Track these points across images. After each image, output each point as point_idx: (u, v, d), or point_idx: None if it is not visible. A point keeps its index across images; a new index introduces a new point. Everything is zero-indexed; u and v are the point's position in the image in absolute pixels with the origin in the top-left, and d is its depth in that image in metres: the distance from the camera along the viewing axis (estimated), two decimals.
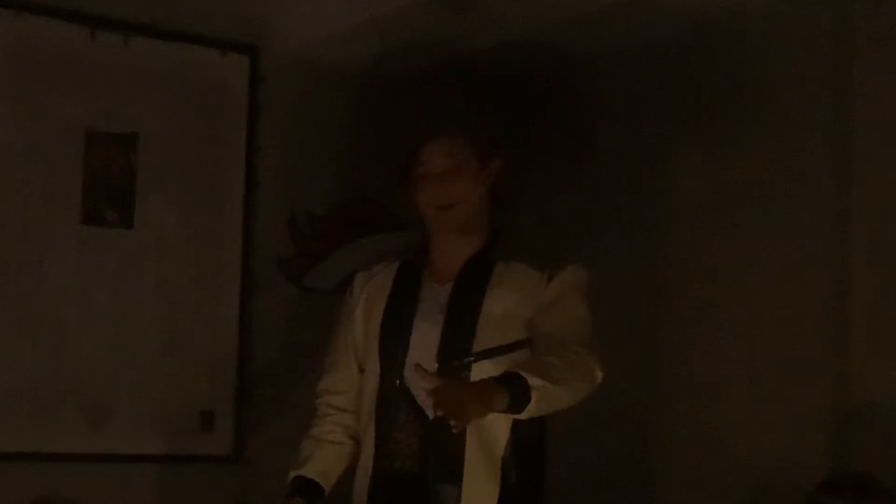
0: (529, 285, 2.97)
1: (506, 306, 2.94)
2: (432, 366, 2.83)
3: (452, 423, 2.63)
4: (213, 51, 4.10)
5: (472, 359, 2.84)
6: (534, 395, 2.69)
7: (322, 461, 3.08)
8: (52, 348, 3.81)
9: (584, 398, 2.84)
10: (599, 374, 2.84)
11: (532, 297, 2.95)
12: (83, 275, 3.87)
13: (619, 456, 4.07)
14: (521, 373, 2.69)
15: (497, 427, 2.90)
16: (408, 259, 3.09)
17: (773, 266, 3.77)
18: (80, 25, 3.88)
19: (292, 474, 3.07)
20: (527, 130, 4.44)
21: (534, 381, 2.69)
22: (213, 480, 3.94)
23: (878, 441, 3.49)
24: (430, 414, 2.85)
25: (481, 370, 2.81)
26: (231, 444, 4.04)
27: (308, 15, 4.06)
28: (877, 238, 3.55)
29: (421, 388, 2.81)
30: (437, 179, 2.99)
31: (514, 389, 2.66)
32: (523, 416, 2.73)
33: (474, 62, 4.26)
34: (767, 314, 3.78)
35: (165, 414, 3.95)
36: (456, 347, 2.90)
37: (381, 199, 4.36)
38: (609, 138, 4.32)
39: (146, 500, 3.88)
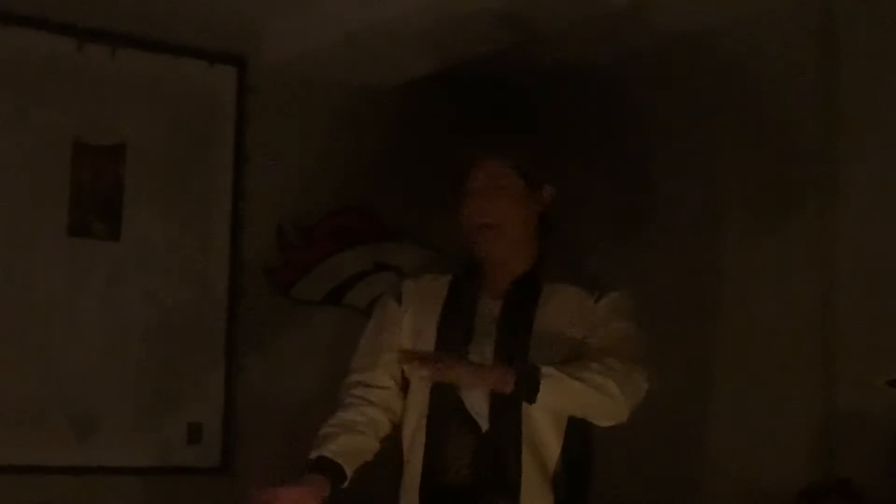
0: (578, 305, 3.00)
1: (556, 325, 2.98)
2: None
3: (426, 373, 2.77)
4: (200, 62, 4.10)
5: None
6: (543, 383, 2.76)
7: (345, 445, 3.00)
8: (39, 359, 3.80)
9: (628, 405, 2.87)
10: (644, 384, 2.90)
11: (581, 317, 2.99)
12: (70, 286, 3.86)
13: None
14: (534, 362, 2.79)
15: (549, 443, 2.94)
16: (460, 272, 3.09)
17: (761, 277, 3.78)
18: (67, 37, 3.88)
19: (313, 454, 3.00)
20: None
21: (546, 369, 2.78)
22: (200, 492, 3.93)
23: (862, 449, 3.50)
24: (484, 426, 2.90)
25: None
26: (219, 456, 4.04)
27: (295, 27, 4.07)
28: (862, 250, 3.56)
29: (476, 399, 2.89)
30: (479, 196, 3.01)
31: (523, 373, 2.76)
32: (536, 403, 2.78)
33: (459, 72, 4.26)
34: (754, 325, 3.79)
35: (153, 426, 3.95)
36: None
37: (368, 209, 4.36)
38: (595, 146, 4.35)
39: None
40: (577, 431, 2.97)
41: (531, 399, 2.79)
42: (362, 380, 3.08)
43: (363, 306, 4.18)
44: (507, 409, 2.91)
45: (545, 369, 2.78)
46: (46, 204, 3.86)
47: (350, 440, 3.00)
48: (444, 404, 2.95)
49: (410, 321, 3.07)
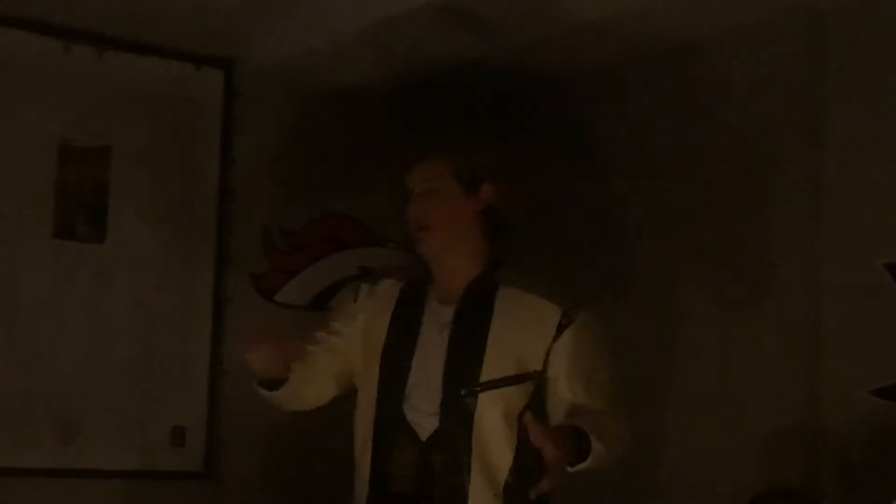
0: (539, 322, 2.95)
1: (513, 337, 2.93)
2: (437, 388, 2.89)
3: (543, 485, 2.69)
4: (187, 65, 4.10)
5: (479, 388, 2.86)
6: (591, 457, 2.74)
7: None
8: (23, 362, 3.79)
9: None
10: (628, 437, 2.92)
11: (542, 335, 2.94)
12: (55, 288, 3.85)
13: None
14: (588, 432, 2.75)
15: (501, 453, 2.91)
16: (412, 279, 3.09)
17: (746, 284, 3.78)
18: (54, 38, 3.87)
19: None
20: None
21: (596, 444, 2.75)
22: (184, 496, 3.92)
23: (844, 459, 3.51)
24: (423, 436, 2.90)
25: (484, 399, 2.88)
26: (203, 459, 4.03)
27: (283, 30, 4.06)
28: (849, 259, 3.57)
29: (416, 411, 2.90)
30: (416, 199, 3.03)
31: (577, 446, 2.74)
32: (571, 470, 2.74)
33: (450, 78, 4.26)
34: (740, 334, 3.79)
35: (137, 429, 3.94)
36: (463, 375, 2.89)
37: (355, 214, 4.36)
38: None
39: None
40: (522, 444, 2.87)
41: (571, 466, 2.75)
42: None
43: None
44: (457, 418, 2.89)
45: (595, 444, 2.74)
46: (31, 205, 3.85)
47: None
48: (388, 416, 2.95)
49: (361, 329, 3.07)
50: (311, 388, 3.07)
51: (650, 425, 3.97)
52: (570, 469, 2.74)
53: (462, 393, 2.85)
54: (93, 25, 3.92)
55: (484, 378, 2.87)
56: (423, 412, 2.91)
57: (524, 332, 2.94)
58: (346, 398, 3.15)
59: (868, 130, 3.56)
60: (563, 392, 2.92)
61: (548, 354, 2.93)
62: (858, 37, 3.62)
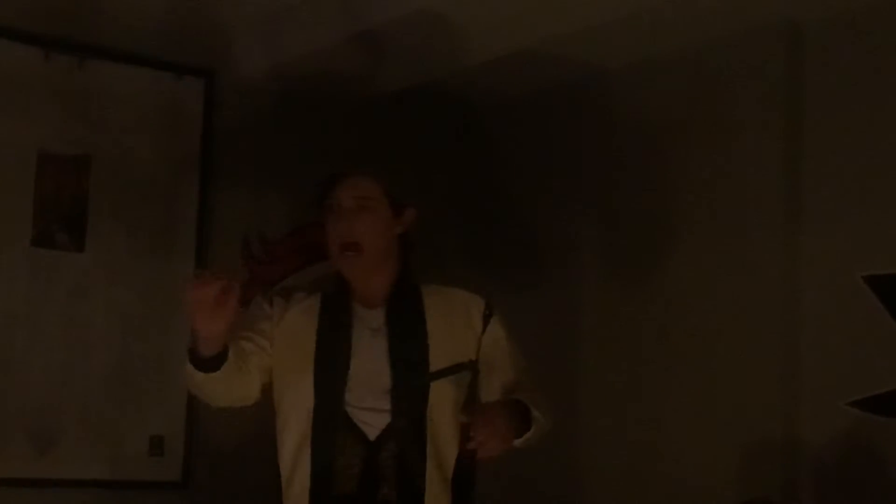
0: (467, 309, 3.05)
1: (448, 330, 3.00)
2: (384, 386, 2.89)
3: (482, 452, 2.76)
4: (168, 74, 4.10)
5: (432, 377, 2.91)
6: (533, 426, 2.86)
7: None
8: (0, 371, 3.77)
9: None
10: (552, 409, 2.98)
11: (470, 321, 3.04)
12: (33, 297, 3.84)
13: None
14: (527, 403, 2.86)
15: (450, 444, 2.95)
16: (329, 291, 3.07)
17: (725, 296, 3.80)
18: (34, 47, 3.87)
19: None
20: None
21: (535, 412, 2.87)
22: None
23: (821, 470, 3.52)
24: (372, 435, 2.90)
25: (434, 392, 2.91)
26: (181, 469, 4.02)
27: (263, 41, 4.07)
28: (828, 271, 3.59)
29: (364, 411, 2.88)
30: (346, 216, 2.99)
31: (521, 418, 2.84)
32: (518, 443, 2.85)
33: (426, 89, 4.29)
34: (719, 344, 3.80)
35: (115, 438, 3.93)
36: (411, 368, 2.93)
37: None
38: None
39: None
40: (467, 432, 2.90)
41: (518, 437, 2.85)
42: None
43: None
44: (412, 412, 2.92)
45: (534, 412, 2.87)
46: (10, 214, 3.84)
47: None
48: (329, 419, 2.93)
49: (282, 337, 3.01)
50: (241, 379, 2.95)
51: (629, 438, 3.99)
52: (517, 441, 2.84)
53: (413, 384, 2.90)
54: (73, 34, 3.92)
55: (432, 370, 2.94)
56: (371, 411, 2.91)
57: (456, 324, 3.02)
58: None
59: (846, 143, 3.58)
60: (499, 376, 3.00)
61: (479, 343, 3.02)
62: (835, 49, 3.64)
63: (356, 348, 2.96)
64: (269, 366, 3.01)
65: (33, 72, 3.87)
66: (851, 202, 3.55)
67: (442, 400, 2.93)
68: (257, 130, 4.24)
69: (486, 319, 3.04)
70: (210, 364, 2.82)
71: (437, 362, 2.94)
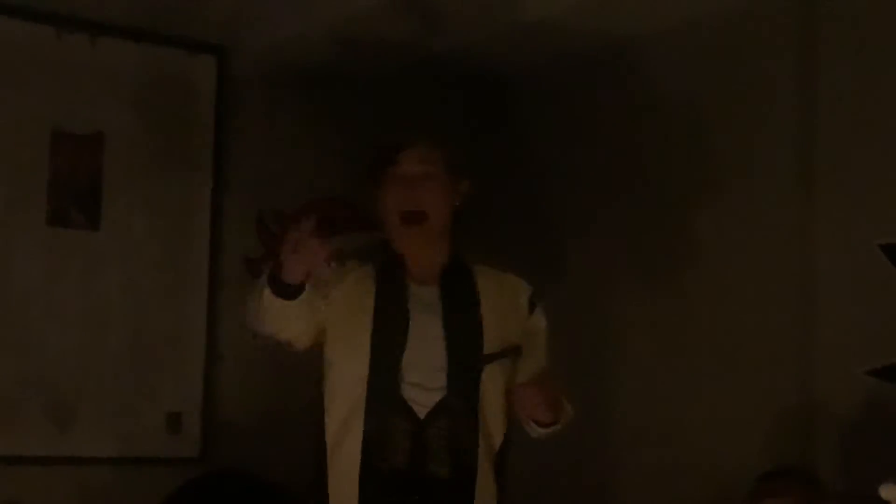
0: (516, 294, 3.07)
1: (499, 314, 3.01)
2: (437, 364, 2.92)
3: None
4: (180, 51, 4.09)
5: (486, 360, 2.96)
6: (561, 420, 2.96)
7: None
8: (17, 350, 3.79)
9: None
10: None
11: (518, 307, 3.06)
12: (49, 276, 3.85)
13: (578, 455, 4.08)
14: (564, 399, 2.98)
15: (498, 426, 3.00)
16: (383, 262, 3.05)
17: (741, 266, 3.79)
18: (46, 25, 3.87)
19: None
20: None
21: (567, 405, 2.98)
22: (179, 482, 3.91)
23: (838, 439, 3.51)
24: (421, 414, 2.91)
25: (487, 374, 2.97)
26: (198, 445, 4.03)
27: (276, 16, 4.05)
28: (844, 240, 3.57)
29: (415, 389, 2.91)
30: (410, 184, 2.96)
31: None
32: (545, 433, 2.97)
33: (438, 65, 4.27)
34: (733, 314, 3.79)
35: (132, 416, 3.94)
36: (466, 349, 2.95)
37: (349, 199, 4.35)
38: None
39: (112, 503, 3.86)
40: (512, 418, 3.03)
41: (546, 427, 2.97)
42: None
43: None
44: (464, 393, 2.94)
45: (566, 406, 2.98)
46: (25, 194, 3.85)
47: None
48: (383, 392, 2.92)
49: (339, 297, 2.98)
50: (310, 315, 2.91)
51: (646, 410, 3.99)
52: (543, 431, 2.96)
53: (470, 366, 2.93)
54: (85, 12, 3.91)
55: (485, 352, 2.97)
56: (424, 389, 2.92)
57: (506, 309, 3.03)
58: None
59: (862, 111, 3.56)
60: (531, 365, 3.02)
61: (522, 328, 3.05)
62: (850, 12, 3.61)
63: (414, 326, 2.95)
64: (321, 323, 2.97)
65: (46, 50, 3.87)
66: (867, 170, 3.53)
67: (491, 379, 2.96)
68: (270, 106, 4.23)
69: (532, 307, 3.07)
70: (290, 291, 2.80)
71: (489, 344, 2.96)
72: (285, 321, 2.88)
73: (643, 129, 4.13)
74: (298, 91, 4.28)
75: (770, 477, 3.24)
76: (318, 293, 2.91)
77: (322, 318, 2.95)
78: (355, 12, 3.89)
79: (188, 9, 4.03)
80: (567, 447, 3.21)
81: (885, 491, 2.69)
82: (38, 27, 3.86)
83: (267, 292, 2.81)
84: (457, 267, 3.04)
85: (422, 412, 2.91)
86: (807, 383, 3.61)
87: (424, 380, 2.92)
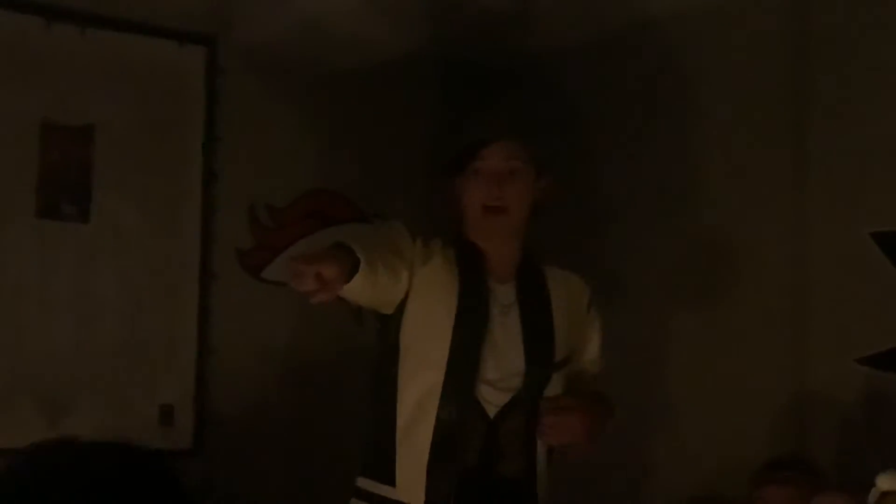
0: (580, 296, 3.14)
1: (566, 317, 3.07)
2: (511, 363, 2.97)
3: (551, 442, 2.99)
4: (170, 42, 4.07)
5: (555, 367, 3.04)
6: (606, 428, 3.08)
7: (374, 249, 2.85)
8: (9, 342, 3.77)
9: None
10: None
11: (581, 308, 3.14)
12: (40, 269, 3.83)
13: None
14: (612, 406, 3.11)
15: None
16: (463, 253, 3.05)
17: (733, 254, 3.79)
18: (35, 16, 3.84)
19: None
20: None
21: (607, 418, 3.11)
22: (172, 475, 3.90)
23: (832, 428, 3.52)
24: (492, 413, 2.95)
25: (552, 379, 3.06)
26: (190, 438, 4.02)
27: (266, 7, 4.04)
28: (835, 228, 3.57)
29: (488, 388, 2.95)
30: (495, 179, 2.99)
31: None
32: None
33: (434, 55, 4.26)
34: (726, 303, 3.80)
35: (124, 408, 3.92)
36: (540, 352, 3.01)
37: (341, 191, 4.35)
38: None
39: None
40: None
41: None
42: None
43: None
44: (532, 396, 3.00)
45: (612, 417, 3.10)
46: (14, 186, 3.82)
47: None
48: (460, 382, 2.94)
49: (425, 274, 2.98)
50: (378, 289, 2.86)
51: (644, 403, 3.99)
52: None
53: (543, 370, 3.01)
54: (75, 3, 3.89)
55: (558, 357, 3.05)
56: (496, 389, 2.96)
57: (572, 311, 3.09)
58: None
59: (853, 98, 3.56)
60: (589, 367, 3.16)
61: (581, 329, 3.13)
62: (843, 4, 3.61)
63: (493, 318, 2.99)
64: (403, 290, 2.96)
65: (35, 41, 3.85)
66: (860, 158, 3.53)
67: (556, 388, 3.05)
68: (261, 97, 4.22)
69: (589, 307, 3.14)
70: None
71: (559, 347, 3.03)
72: (363, 298, 2.90)
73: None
74: (289, 82, 4.27)
75: (772, 466, 3.25)
76: (401, 262, 2.92)
77: (405, 287, 2.95)
78: (347, 4, 3.88)
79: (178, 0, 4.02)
80: None
81: (883, 481, 2.70)
82: (27, 18, 3.83)
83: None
84: (529, 265, 3.08)
85: (492, 411, 2.95)
86: (800, 372, 3.62)
87: (499, 379, 2.96)
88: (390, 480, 2.97)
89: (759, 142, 3.76)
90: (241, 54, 4.17)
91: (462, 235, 3.07)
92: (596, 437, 3.05)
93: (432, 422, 2.94)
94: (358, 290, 2.80)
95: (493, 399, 2.95)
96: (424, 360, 2.96)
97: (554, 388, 3.03)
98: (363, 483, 3.04)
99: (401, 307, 2.98)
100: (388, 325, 3.02)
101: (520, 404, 2.97)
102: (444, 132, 4.45)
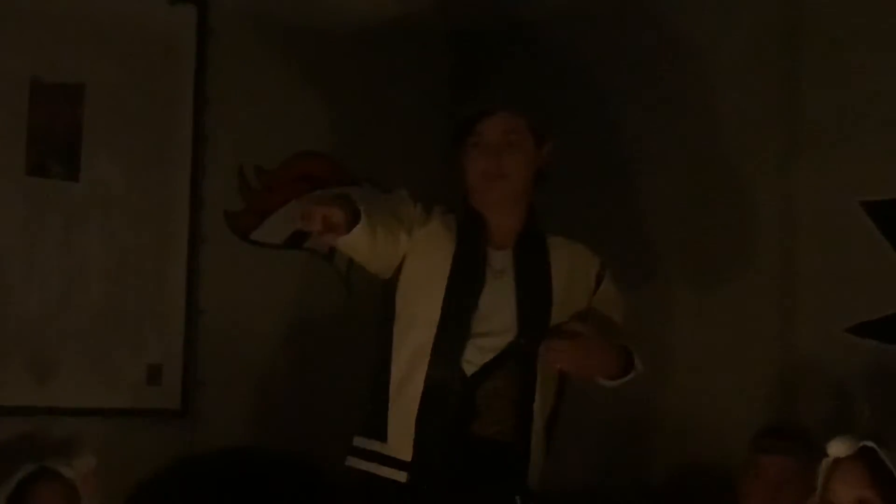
0: (586, 268, 3.16)
1: (568, 285, 3.10)
2: (502, 326, 3.00)
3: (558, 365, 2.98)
4: (160, 1, 4.05)
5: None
6: (632, 373, 3.09)
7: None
8: None
9: None
10: None
11: (587, 281, 3.15)
12: (28, 227, 3.81)
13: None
14: (633, 353, 3.07)
15: (551, 393, 3.10)
16: (464, 220, 3.11)
17: (720, 221, 3.79)
18: None
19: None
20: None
21: (637, 363, 3.08)
22: (160, 434, 3.91)
23: (821, 396, 3.53)
24: (469, 371, 3.00)
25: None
26: (178, 397, 4.01)
27: None
28: (825, 197, 3.58)
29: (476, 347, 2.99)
30: (492, 152, 3.04)
31: (622, 365, 3.06)
32: (611, 384, 3.08)
33: (428, 19, 4.25)
34: (714, 274, 3.80)
35: (112, 367, 3.92)
36: (535, 316, 3.04)
37: (330, 154, 4.34)
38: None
39: (92, 454, 3.85)
40: (564, 384, 3.15)
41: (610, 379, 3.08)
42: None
43: (324, 251, 4.18)
44: (525, 359, 3.03)
45: (637, 363, 3.08)
46: (3, 144, 3.80)
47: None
48: (450, 344, 3.00)
49: (423, 237, 3.07)
50: (378, 248, 2.97)
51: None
52: (612, 382, 3.09)
53: (531, 336, 3.01)
54: None
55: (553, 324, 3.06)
56: (479, 349, 3.01)
57: (575, 281, 3.12)
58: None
59: (845, 67, 3.56)
60: (614, 319, 3.18)
61: (589, 303, 3.15)
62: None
63: (487, 284, 3.05)
64: (401, 254, 3.05)
65: (24, 0, 3.83)
66: (849, 127, 3.54)
67: None
68: (251, 58, 4.20)
69: (599, 279, 3.16)
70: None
71: (557, 316, 3.05)
72: (360, 254, 2.99)
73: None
74: (280, 44, 4.25)
75: (768, 433, 3.28)
76: (400, 226, 3.01)
77: (403, 249, 3.04)
78: None
79: None
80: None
81: (834, 447, 2.72)
82: None
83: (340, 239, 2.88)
84: (531, 234, 3.10)
85: (470, 370, 3.00)
86: (787, 341, 3.63)
87: (484, 340, 3.01)
88: (382, 437, 3.05)
89: (748, 111, 3.75)
90: (232, 15, 4.15)
91: (466, 203, 3.12)
92: (601, 367, 3.06)
93: (422, 379, 3.00)
94: (356, 243, 2.89)
95: (473, 358, 3.00)
96: (417, 320, 3.03)
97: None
98: (359, 441, 3.12)
99: (398, 270, 3.07)
100: (387, 288, 3.10)
101: (502, 366, 3.00)
102: (441, 96, 4.45)
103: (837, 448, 2.76)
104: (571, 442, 3.37)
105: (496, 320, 3.02)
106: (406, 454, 3.01)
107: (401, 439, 3.02)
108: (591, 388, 3.20)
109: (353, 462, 3.11)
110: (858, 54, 3.53)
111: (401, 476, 3.02)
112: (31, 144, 3.83)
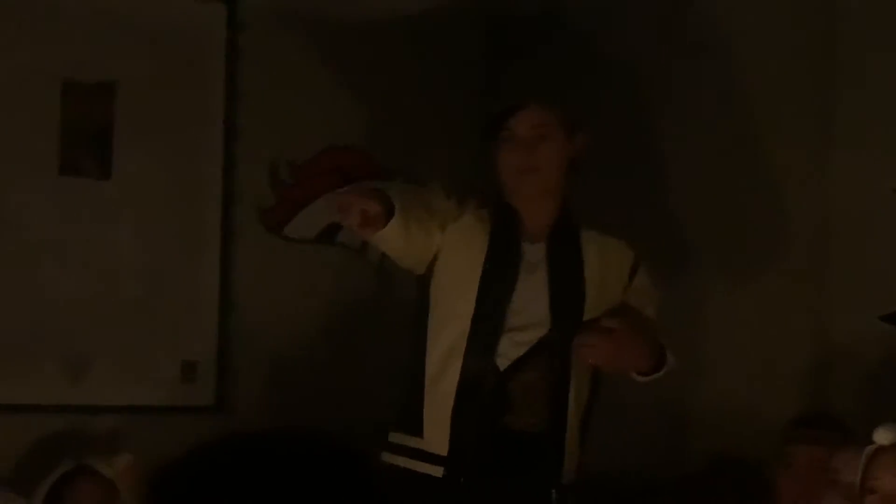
0: (619, 259, 3.15)
1: (602, 279, 3.09)
2: (535, 320, 3.00)
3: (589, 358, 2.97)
4: None
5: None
6: (665, 369, 3.07)
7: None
8: (31, 300, 3.79)
9: None
10: None
11: (621, 274, 3.14)
12: (61, 225, 3.84)
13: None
14: (667, 350, 3.06)
15: (585, 387, 3.10)
16: (499, 213, 3.12)
17: (753, 207, 3.77)
18: None
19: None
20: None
21: (670, 359, 3.07)
22: (195, 431, 3.93)
23: (854, 383, 3.51)
24: (503, 366, 3.00)
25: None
26: (213, 394, 4.03)
27: None
28: (857, 182, 3.56)
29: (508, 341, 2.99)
30: (524, 146, 3.05)
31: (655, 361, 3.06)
32: (643, 380, 3.07)
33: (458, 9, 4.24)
34: (748, 263, 3.78)
35: (147, 365, 3.94)
36: (568, 309, 3.04)
37: (362, 148, 4.34)
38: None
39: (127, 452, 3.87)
40: (598, 377, 3.15)
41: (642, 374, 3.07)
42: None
43: (356, 245, 4.18)
44: (556, 356, 3.02)
45: (670, 358, 3.07)
46: (36, 143, 3.83)
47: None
48: (485, 336, 3.01)
49: (457, 230, 3.07)
50: (411, 244, 2.98)
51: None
52: (645, 378, 3.08)
53: (569, 327, 3.02)
54: None
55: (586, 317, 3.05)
56: (513, 343, 3.01)
57: (608, 274, 3.12)
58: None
59: (880, 53, 3.53)
60: (647, 313, 3.16)
61: (623, 296, 3.14)
62: None
63: (522, 281, 3.04)
64: (434, 249, 3.06)
65: None
66: (883, 113, 3.51)
67: None
68: (282, 53, 4.20)
69: (633, 273, 3.15)
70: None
71: (591, 310, 3.05)
72: (393, 249, 3.01)
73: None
74: (310, 37, 4.24)
75: (801, 423, 3.27)
76: (434, 221, 3.02)
77: (437, 244, 3.05)
78: None
79: None
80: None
81: (880, 435, 2.71)
82: None
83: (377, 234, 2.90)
84: (565, 228, 3.11)
85: (504, 364, 3.00)
86: (820, 328, 3.61)
87: (518, 333, 3.01)
88: (418, 432, 3.05)
89: (784, 96, 3.73)
90: (262, 8, 4.15)
91: (500, 197, 3.13)
92: (634, 363, 3.05)
93: (457, 373, 3.01)
94: (390, 238, 2.92)
95: (506, 352, 3.00)
96: (451, 313, 3.04)
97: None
98: (394, 437, 3.13)
99: (431, 265, 3.08)
100: (421, 283, 3.12)
101: (536, 359, 3.01)
102: (474, 87, 4.43)
103: (884, 435, 2.74)
104: (606, 434, 3.36)
105: (530, 314, 3.03)
106: (442, 449, 3.01)
107: (437, 434, 3.02)
108: (626, 381, 3.18)
109: (389, 458, 3.11)
110: (894, 39, 3.50)
111: (437, 471, 3.02)
112: (63, 143, 3.86)
